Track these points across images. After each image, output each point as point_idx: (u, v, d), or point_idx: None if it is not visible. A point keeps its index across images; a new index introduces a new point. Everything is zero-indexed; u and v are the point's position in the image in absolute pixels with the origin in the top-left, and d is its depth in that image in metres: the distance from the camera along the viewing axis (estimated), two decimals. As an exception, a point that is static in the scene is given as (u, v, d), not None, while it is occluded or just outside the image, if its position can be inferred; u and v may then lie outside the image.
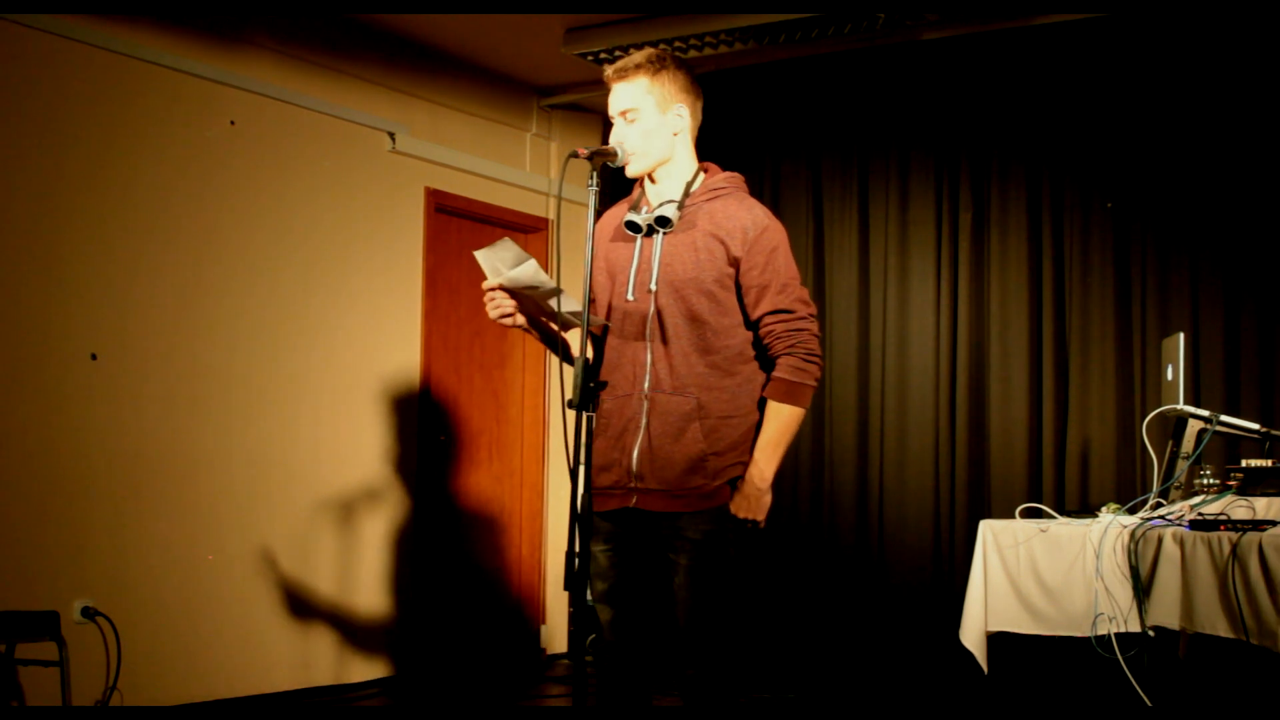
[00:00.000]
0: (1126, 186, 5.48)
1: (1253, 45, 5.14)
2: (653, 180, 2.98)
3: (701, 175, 2.98)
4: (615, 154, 2.88)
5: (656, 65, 2.92)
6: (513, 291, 2.87)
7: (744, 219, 2.89)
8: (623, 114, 2.92)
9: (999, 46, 5.51)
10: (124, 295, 4.71)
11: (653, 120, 2.91)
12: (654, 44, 5.40)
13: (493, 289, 2.89)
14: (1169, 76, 5.35)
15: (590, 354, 3.03)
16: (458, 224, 6.12)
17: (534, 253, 6.42)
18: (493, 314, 2.90)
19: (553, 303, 2.87)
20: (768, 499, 2.86)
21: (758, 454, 2.86)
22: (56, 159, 4.54)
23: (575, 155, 2.83)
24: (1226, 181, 5.25)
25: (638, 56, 2.93)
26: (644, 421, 2.87)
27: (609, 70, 2.95)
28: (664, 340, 2.88)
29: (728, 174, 3.01)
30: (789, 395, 2.86)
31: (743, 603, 2.91)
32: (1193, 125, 5.31)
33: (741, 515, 2.85)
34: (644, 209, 2.96)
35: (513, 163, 6.34)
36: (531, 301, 2.91)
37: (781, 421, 2.87)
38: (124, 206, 4.72)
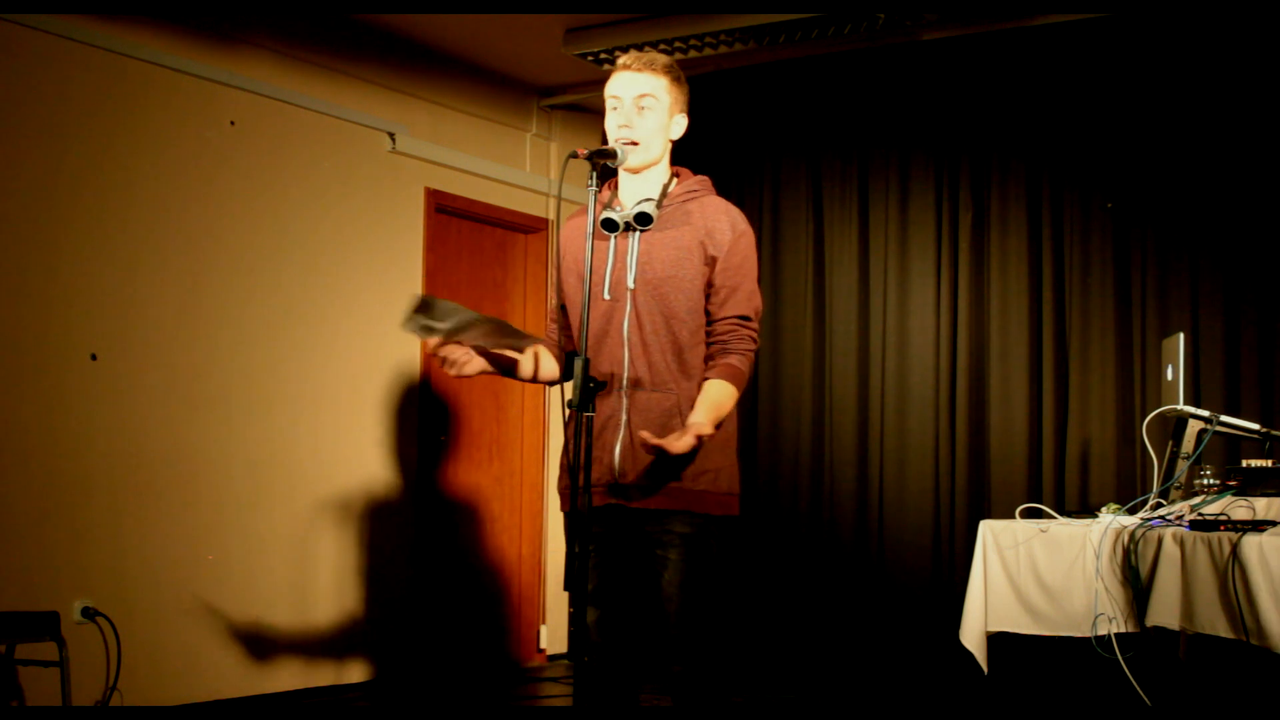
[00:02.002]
0: (1126, 186, 5.48)
1: (1253, 45, 5.14)
2: (630, 179, 2.99)
3: (676, 179, 3.02)
4: (615, 154, 2.88)
5: (676, 71, 2.98)
6: (455, 338, 2.87)
7: (724, 220, 2.94)
8: (639, 98, 2.92)
9: (999, 47, 5.51)
10: (124, 295, 4.71)
11: (663, 119, 2.95)
12: (654, 44, 5.41)
13: (438, 348, 2.89)
14: (1169, 77, 5.35)
15: (558, 367, 3.08)
16: (458, 224, 6.12)
17: (533, 253, 6.45)
18: (453, 372, 2.93)
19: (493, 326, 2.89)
20: (691, 445, 2.77)
21: (702, 410, 2.82)
22: (56, 159, 4.54)
23: (575, 156, 2.84)
24: (1226, 181, 5.25)
25: (662, 57, 2.98)
26: (624, 418, 2.90)
27: (631, 58, 2.95)
28: (641, 338, 2.91)
29: (699, 177, 3.05)
30: (737, 380, 2.90)
31: (726, 599, 2.92)
32: (1193, 125, 5.31)
33: (662, 441, 2.71)
34: (617, 209, 2.98)
35: (513, 163, 6.34)
36: (481, 337, 2.91)
37: (728, 398, 2.88)
38: (124, 206, 4.72)
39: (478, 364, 2.96)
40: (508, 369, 3.06)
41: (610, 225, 2.94)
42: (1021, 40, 5.39)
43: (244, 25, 5.15)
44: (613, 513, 2.92)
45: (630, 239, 2.94)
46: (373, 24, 5.51)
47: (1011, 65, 5.66)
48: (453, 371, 2.92)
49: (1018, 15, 5.13)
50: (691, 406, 2.88)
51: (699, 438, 2.76)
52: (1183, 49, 5.28)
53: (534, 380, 3.11)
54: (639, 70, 2.93)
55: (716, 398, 2.86)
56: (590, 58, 5.71)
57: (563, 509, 3.02)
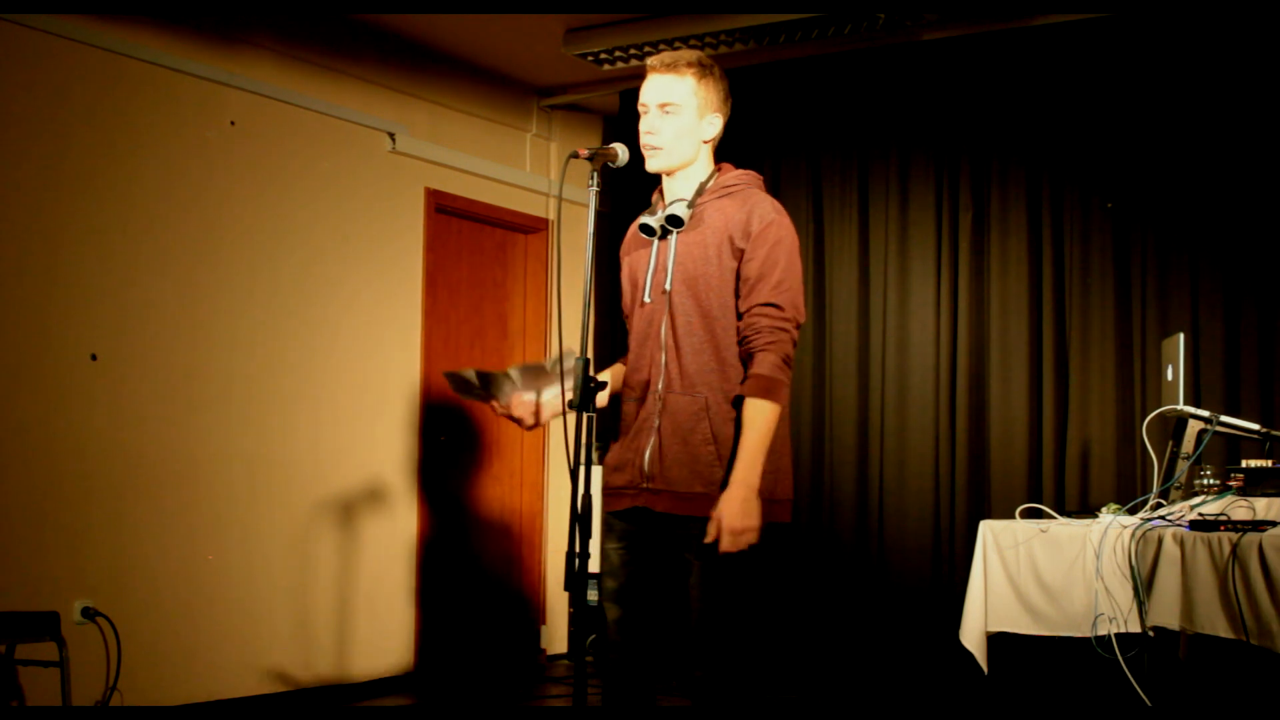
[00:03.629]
0: (1126, 186, 5.48)
1: (1253, 45, 5.14)
2: (670, 183, 2.97)
3: (715, 175, 2.97)
4: (616, 154, 2.87)
5: (706, 69, 2.91)
6: (508, 394, 2.95)
7: (752, 211, 2.88)
8: (662, 106, 2.89)
9: (999, 47, 5.51)
10: (124, 295, 4.71)
11: (689, 121, 2.91)
12: (654, 44, 5.40)
13: (504, 412, 3.00)
14: (1169, 77, 5.34)
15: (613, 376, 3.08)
16: (458, 224, 6.12)
17: (533, 253, 6.45)
18: (528, 426, 3.04)
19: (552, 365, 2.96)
20: (757, 507, 2.74)
21: (743, 462, 2.74)
22: (56, 159, 4.54)
23: (575, 156, 2.84)
24: (1226, 181, 5.24)
25: (689, 54, 2.93)
26: (657, 422, 2.87)
27: (656, 60, 2.91)
28: (676, 340, 2.88)
29: (741, 171, 3.00)
30: (771, 392, 2.78)
31: (758, 606, 2.85)
32: (1193, 125, 5.30)
33: (731, 545, 2.70)
34: (660, 212, 2.96)
35: (513, 163, 6.34)
36: (525, 383, 2.97)
37: (766, 421, 2.77)
38: (124, 206, 4.72)
39: (547, 412, 3.02)
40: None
41: (648, 230, 2.93)
42: (1021, 40, 5.38)
43: (244, 25, 5.15)
44: (643, 515, 2.89)
45: (669, 241, 2.92)
46: (373, 24, 5.52)
47: (1011, 65, 5.66)
48: (528, 426, 3.02)
49: (1018, 15, 5.13)
50: (725, 410, 2.82)
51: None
52: (1183, 49, 5.27)
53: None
54: (662, 73, 2.90)
55: (760, 437, 2.75)
56: (590, 58, 5.71)
57: (605, 509, 2.96)
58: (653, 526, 2.89)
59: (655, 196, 3.03)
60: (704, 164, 2.97)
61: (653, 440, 2.87)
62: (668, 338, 2.88)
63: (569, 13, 5.38)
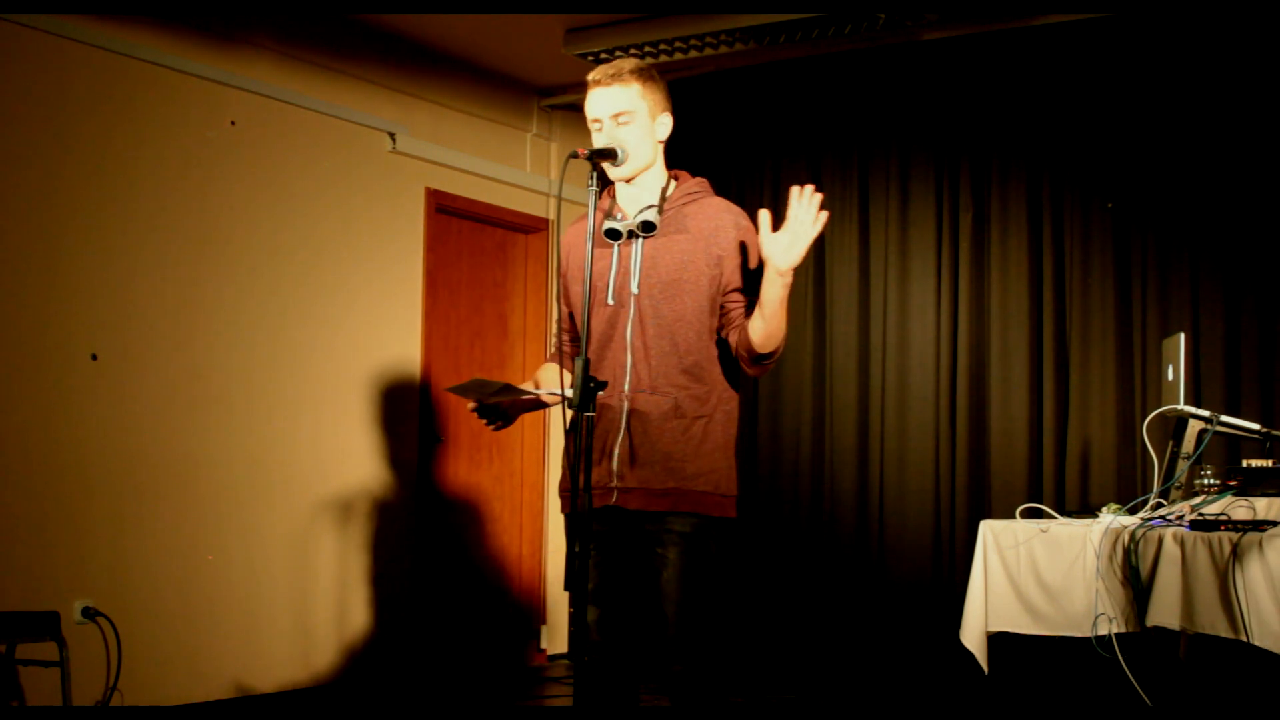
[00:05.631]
0: (1126, 186, 5.48)
1: (1253, 45, 5.14)
2: (627, 186, 3.01)
3: (674, 182, 3.03)
4: (616, 155, 2.90)
5: (647, 74, 2.98)
6: (495, 400, 3.03)
7: (726, 218, 2.97)
8: (615, 116, 2.94)
9: (999, 47, 5.51)
10: (124, 295, 4.71)
11: (644, 125, 2.96)
12: (654, 44, 5.41)
13: (497, 429, 3.15)
14: (1169, 77, 5.35)
15: (559, 378, 3.12)
16: (458, 224, 6.12)
17: (533, 253, 6.45)
18: (499, 425, 3.18)
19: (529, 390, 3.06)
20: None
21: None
22: (56, 159, 4.54)
23: (575, 156, 2.86)
24: (1226, 181, 5.25)
25: (629, 63, 2.98)
26: (624, 422, 2.92)
27: (599, 73, 2.96)
28: (644, 342, 2.93)
29: (697, 179, 3.07)
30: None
31: (726, 599, 2.94)
32: (1193, 125, 5.31)
33: (783, 258, 2.79)
34: (618, 216, 3.00)
35: (513, 163, 6.34)
36: (510, 397, 3.07)
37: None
38: (124, 207, 4.72)
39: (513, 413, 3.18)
40: (531, 406, 3.20)
41: (614, 235, 2.96)
42: (1021, 40, 5.39)
43: (244, 25, 5.15)
44: (612, 514, 2.94)
45: (634, 245, 2.96)
46: (373, 24, 5.51)
47: (1012, 65, 5.66)
48: (495, 428, 3.20)
49: (1018, 15, 5.13)
50: (695, 410, 2.92)
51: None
52: (1183, 49, 5.28)
53: (545, 403, 3.18)
54: (609, 85, 2.94)
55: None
56: (590, 58, 5.71)
57: (563, 510, 3.05)
58: (623, 525, 2.94)
59: (608, 200, 3.06)
60: (661, 167, 3.02)
61: (621, 439, 2.92)
62: (635, 340, 2.94)
63: (569, 13, 5.38)
